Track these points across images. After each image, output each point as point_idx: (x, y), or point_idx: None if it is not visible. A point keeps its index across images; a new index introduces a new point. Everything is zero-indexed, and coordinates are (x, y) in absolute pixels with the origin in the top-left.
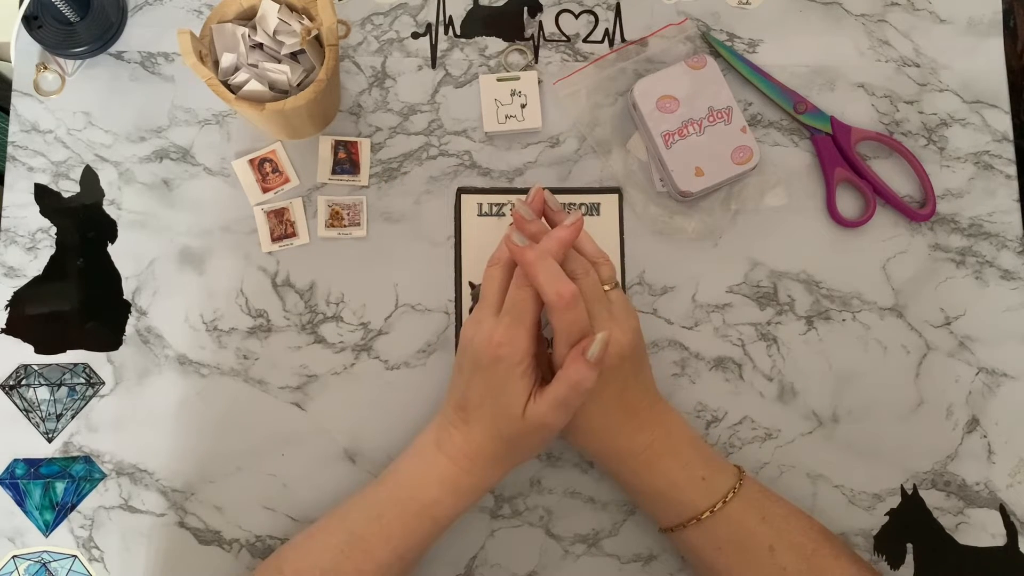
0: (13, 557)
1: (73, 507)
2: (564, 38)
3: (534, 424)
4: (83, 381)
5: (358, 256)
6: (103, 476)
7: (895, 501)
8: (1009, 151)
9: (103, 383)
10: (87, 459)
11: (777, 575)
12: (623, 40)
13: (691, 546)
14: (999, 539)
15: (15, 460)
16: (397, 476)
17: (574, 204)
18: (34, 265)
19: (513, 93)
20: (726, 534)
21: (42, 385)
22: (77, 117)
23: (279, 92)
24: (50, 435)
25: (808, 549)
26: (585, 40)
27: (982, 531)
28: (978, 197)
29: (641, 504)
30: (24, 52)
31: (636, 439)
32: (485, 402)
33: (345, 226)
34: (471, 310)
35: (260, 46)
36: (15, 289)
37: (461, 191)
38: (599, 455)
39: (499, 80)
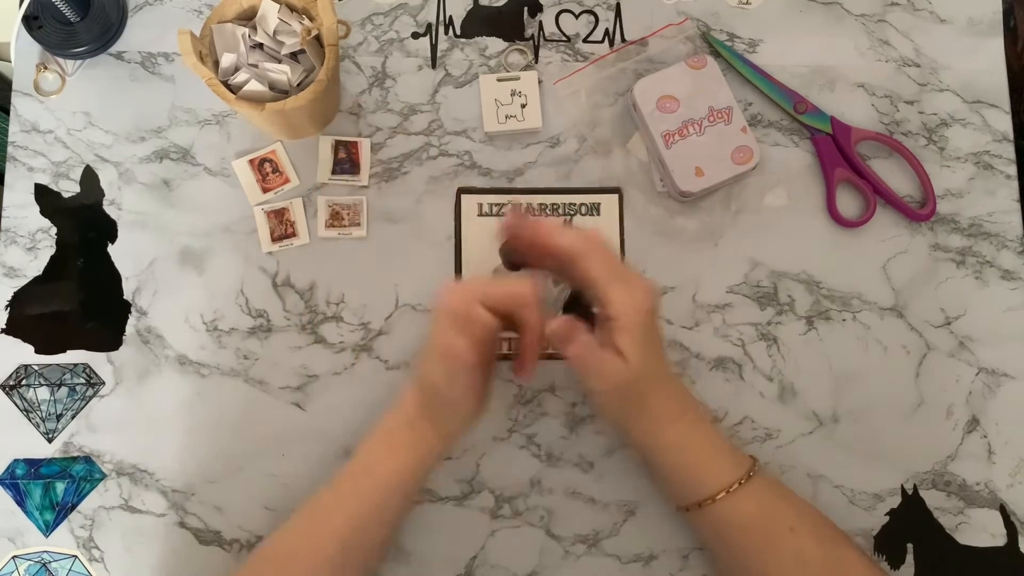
0: (13, 557)
1: (73, 507)
2: (564, 38)
3: (437, 343)
4: (83, 381)
5: (358, 256)
6: (103, 476)
7: (895, 501)
8: (1009, 151)
9: (103, 383)
10: (87, 459)
11: (797, 557)
12: (623, 40)
13: (716, 523)
14: (999, 539)
15: (15, 460)
16: (358, 446)
17: (574, 204)
18: (34, 265)
19: (513, 93)
20: (752, 510)
21: (42, 385)
22: (77, 117)
23: (279, 92)
24: (50, 435)
25: (825, 536)
26: (585, 40)
27: (982, 531)
28: (978, 197)
29: (671, 478)
30: (24, 52)
31: (669, 406)
32: (423, 349)
33: (345, 226)
34: None
35: (260, 46)
36: (15, 289)
37: (461, 191)
38: (636, 429)
39: (499, 80)
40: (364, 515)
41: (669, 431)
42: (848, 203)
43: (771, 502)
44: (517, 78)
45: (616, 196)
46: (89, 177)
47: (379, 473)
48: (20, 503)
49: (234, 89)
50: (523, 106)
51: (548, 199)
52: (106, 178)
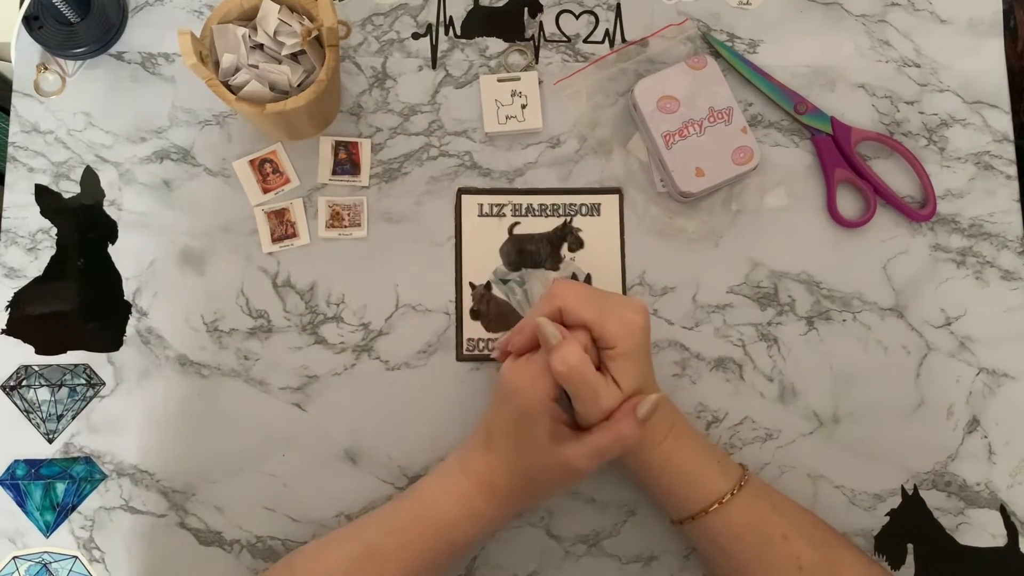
0: (14, 558)
1: (74, 508)
2: (564, 38)
3: (565, 465)
4: (84, 382)
5: (358, 257)
6: (104, 477)
7: (896, 501)
8: (1009, 151)
9: (103, 384)
10: (88, 460)
11: (791, 563)
12: (623, 40)
13: (710, 534)
14: (999, 539)
15: (16, 461)
16: (419, 493)
17: (574, 204)
18: (35, 266)
19: (513, 94)
20: (745, 519)
21: (43, 386)
22: (77, 118)
23: (279, 93)
24: (51, 436)
25: (819, 539)
26: (585, 40)
27: (982, 531)
28: (978, 197)
29: (663, 493)
30: (25, 52)
31: (656, 423)
32: (509, 433)
33: (346, 227)
34: (471, 311)
35: (261, 47)
36: (16, 290)
37: (462, 191)
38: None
39: (500, 80)
40: (423, 567)
41: (658, 448)
42: (848, 203)
43: (763, 510)
44: (517, 78)
45: (616, 196)
46: (89, 177)
47: (455, 539)
48: (21, 504)
49: (234, 90)
50: (523, 106)
51: (548, 199)
52: (106, 179)
